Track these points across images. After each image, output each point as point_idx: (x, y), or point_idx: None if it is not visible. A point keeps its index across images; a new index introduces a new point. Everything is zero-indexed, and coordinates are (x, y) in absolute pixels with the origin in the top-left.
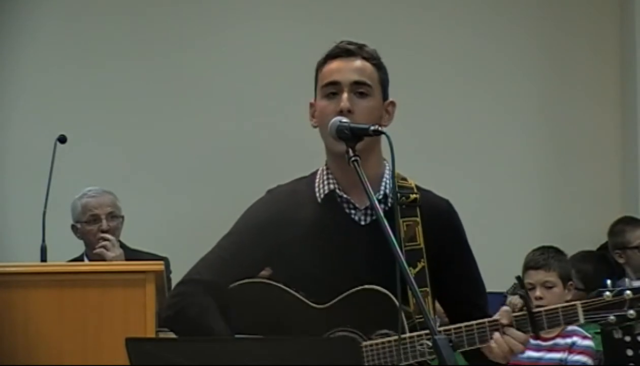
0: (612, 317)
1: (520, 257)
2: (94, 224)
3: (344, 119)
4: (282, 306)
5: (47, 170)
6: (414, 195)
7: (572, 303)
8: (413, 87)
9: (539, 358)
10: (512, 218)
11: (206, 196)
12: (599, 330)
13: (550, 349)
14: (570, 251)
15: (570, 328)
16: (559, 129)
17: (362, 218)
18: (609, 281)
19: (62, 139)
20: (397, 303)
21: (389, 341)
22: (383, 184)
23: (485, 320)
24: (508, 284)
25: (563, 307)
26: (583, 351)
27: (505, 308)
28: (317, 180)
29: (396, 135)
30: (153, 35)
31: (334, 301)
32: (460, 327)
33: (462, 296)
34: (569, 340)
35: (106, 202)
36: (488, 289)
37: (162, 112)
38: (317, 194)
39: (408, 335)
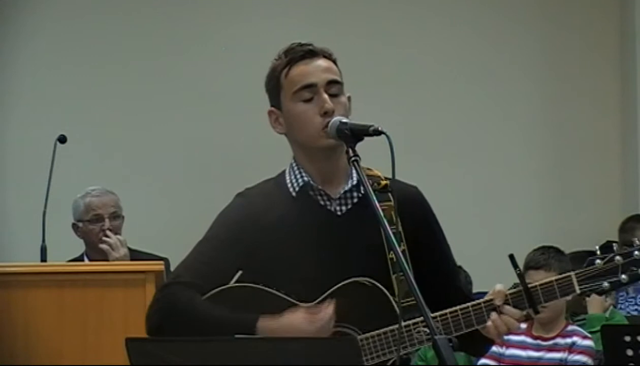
0: (606, 284)
1: (520, 257)
2: (96, 224)
3: (344, 119)
4: (272, 309)
5: (47, 170)
6: (384, 182)
7: (566, 274)
8: (413, 87)
9: (539, 358)
10: (512, 218)
11: (206, 196)
12: (598, 329)
13: (550, 349)
14: (570, 251)
15: (570, 327)
16: (559, 129)
17: (338, 208)
18: (597, 248)
19: (62, 139)
20: (386, 292)
21: (386, 333)
22: (353, 173)
23: (480, 300)
24: (508, 284)
25: (557, 279)
26: (583, 351)
27: (498, 287)
28: (287, 177)
29: (396, 135)
30: (153, 36)
31: (322, 297)
32: (455, 310)
33: (443, 279)
34: (569, 340)
35: (109, 202)
36: (488, 289)
37: (162, 113)
38: (291, 189)
39: (405, 323)
